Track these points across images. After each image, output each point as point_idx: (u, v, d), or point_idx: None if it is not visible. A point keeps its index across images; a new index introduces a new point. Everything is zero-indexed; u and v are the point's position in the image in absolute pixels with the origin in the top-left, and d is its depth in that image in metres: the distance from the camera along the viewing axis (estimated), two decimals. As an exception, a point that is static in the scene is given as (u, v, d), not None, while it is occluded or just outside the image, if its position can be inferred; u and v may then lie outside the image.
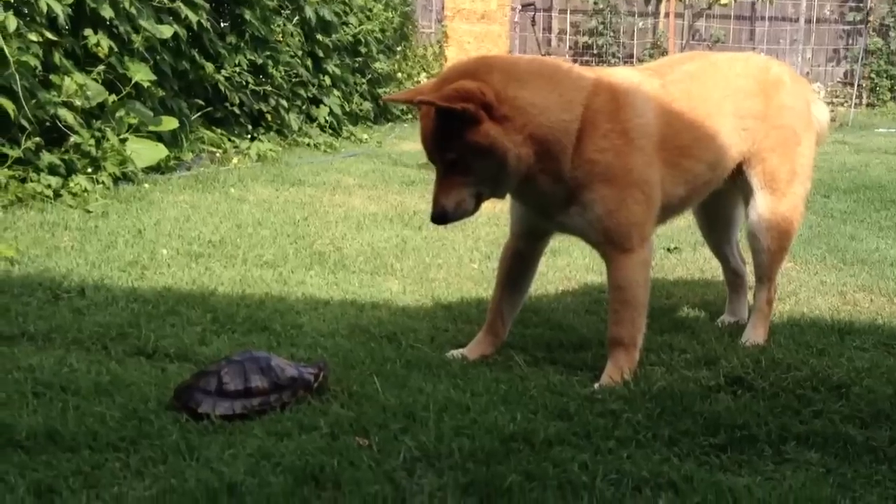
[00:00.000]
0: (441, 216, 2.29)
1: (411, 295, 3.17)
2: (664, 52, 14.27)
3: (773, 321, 2.99)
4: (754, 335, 2.75)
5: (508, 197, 2.47)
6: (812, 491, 1.76)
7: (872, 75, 14.48)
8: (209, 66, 6.12)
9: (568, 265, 3.68)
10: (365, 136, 8.31)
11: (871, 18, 14.55)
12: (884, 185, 6.03)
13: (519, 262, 2.62)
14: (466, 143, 2.20)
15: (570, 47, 15.43)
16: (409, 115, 10.80)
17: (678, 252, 3.99)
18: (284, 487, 1.68)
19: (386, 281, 3.35)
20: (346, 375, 2.29)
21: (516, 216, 2.57)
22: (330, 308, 2.95)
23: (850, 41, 14.69)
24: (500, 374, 2.37)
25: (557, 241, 4.11)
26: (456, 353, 2.54)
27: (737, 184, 2.76)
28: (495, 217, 4.72)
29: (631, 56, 15.00)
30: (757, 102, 2.68)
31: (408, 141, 8.65)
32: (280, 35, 7.12)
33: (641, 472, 1.81)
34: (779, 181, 2.72)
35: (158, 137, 5.12)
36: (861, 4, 14.66)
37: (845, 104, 13.41)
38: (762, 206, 2.73)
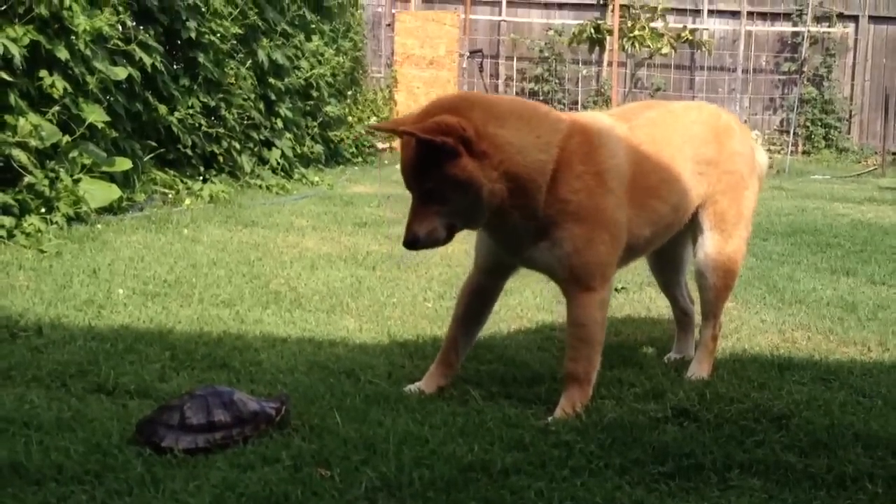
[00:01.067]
0: (412, 242, 2.35)
1: (367, 332, 3.23)
2: (607, 100, 14.63)
3: (718, 357, 3.10)
4: (699, 370, 2.86)
5: (473, 234, 2.55)
6: (755, 515, 1.85)
7: (808, 123, 15.01)
8: (162, 108, 6.15)
9: (519, 304, 3.77)
10: (316, 178, 8.37)
11: (804, 69, 15.11)
12: (819, 229, 6.27)
13: (480, 296, 2.70)
14: (444, 175, 2.28)
15: (517, 93, 15.72)
16: (360, 159, 10.91)
17: (626, 292, 4.11)
18: (251, 516, 1.73)
19: (342, 319, 3.40)
20: (306, 410, 2.34)
21: (483, 252, 2.65)
22: (288, 345, 3.00)
23: (786, 90, 15.22)
24: (457, 408, 2.44)
25: (511, 282, 4.22)
26: (413, 387, 2.60)
27: (689, 225, 2.88)
28: (447, 257, 4.82)
29: (576, 103, 15.34)
30: (711, 148, 2.81)
31: (359, 184, 8.74)
32: (233, 78, 7.19)
33: (595, 498, 1.89)
34: (727, 223, 2.85)
35: (111, 178, 5.13)
36: (795, 55, 15.22)
37: (782, 151, 13.87)
38: (710, 245, 2.85)
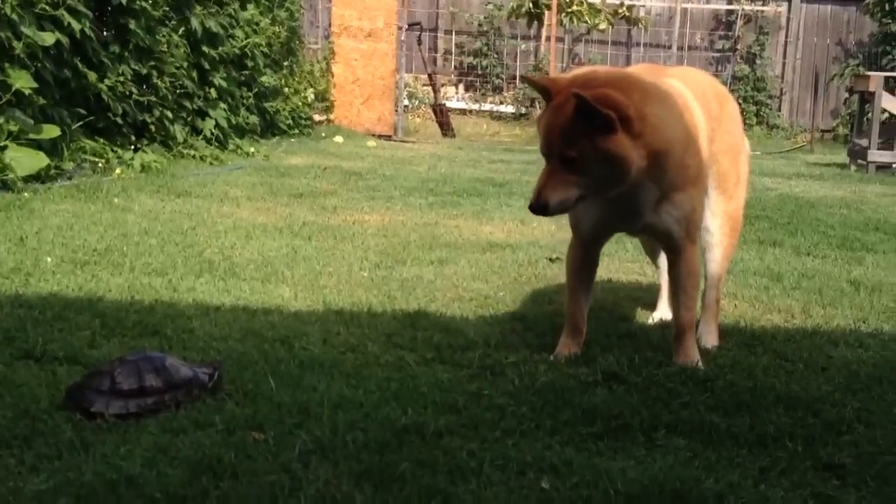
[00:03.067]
0: (542, 208, 2.36)
1: (303, 301, 3.22)
2: (546, 74, 14.71)
3: (648, 325, 3.18)
4: (710, 338, 2.92)
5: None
6: (680, 472, 1.91)
7: (740, 101, 15.28)
8: (92, 76, 6.00)
9: (455, 273, 3.80)
10: (252, 149, 8.27)
11: (738, 47, 15.37)
12: (748, 203, 6.38)
13: (587, 264, 2.78)
14: (595, 148, 2.30)
15: (455, 67, 15.70)
16: (296, 131, 10.80)
17: (559, 262, 4.16)
18: (182, 478, 1.73)
19: (277, 288, 3.38)
20: (240, 376, 2.34)
21: (587, 224, 2.67)
22: (221, 313, 2.97)
23: (720, 68, 15.47)
24: (391, 373, 2.46)
25: (446, 252, 4.25)
26: (550, 356, 2.65)
27: None
28: (384, 228, 4.82)
29: (514, 77, 15.39)
30: (716, 107, 2.88)
31: (295, 155, 8.66)
32: (165, 46, 7.04)
33: (525, 457, 1.92)
34: (728, 183, 2.95)
35: (38, 146, 5.00)
36: (729, 33, 15.47)
37: (715, 128, 14.10)
38: (714, 204, 2.93)
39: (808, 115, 15.25)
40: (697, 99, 2.72)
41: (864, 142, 10.11)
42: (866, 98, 10.43)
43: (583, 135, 2.30)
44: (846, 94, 14.71)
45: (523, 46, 15.37)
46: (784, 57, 15.66)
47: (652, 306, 3.38)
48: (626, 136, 2.31)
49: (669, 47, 15.31)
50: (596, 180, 2.37)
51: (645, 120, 2.35)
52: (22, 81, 4.85)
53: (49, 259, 3.46)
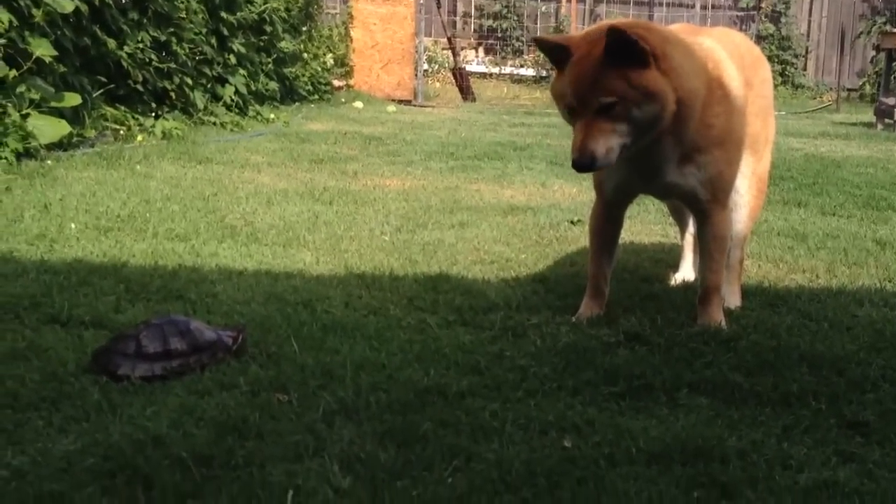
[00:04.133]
0: (590, 161, 2.26)
1: (324, 265, 3.23)
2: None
3: (671, 286, 3.17)
4: (734, 299, 2.91)
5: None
6: (702, 430, 1.91)
7: (764, 61, 15.06)
8: (111, 43, 6.00)
9: (476, 237, 3.79)
10: (271, 115, 8.26)
11: (763, 5, 15.13)
12: (773, 163, 6.33)
13: (611, 225, 2.76)
14: (632, 86, 2.23)
15: (475, 30, 15.58)
16: (316, 96, 10.77)
17: (581, 224, 4.14)
18: (208, 438, 1.75)
19: (299, 252, 3.40)
20: (263, 339, 2.35)
21: (611, 184, 2.64)
22: (244, 278, 2.99)
23: (744, 27, 15.25)
24: (413, 336, 2.46)
25: (466, 215, 4.24)
26: (574, 318, 2.64)
27: None
28: (404, 193, 4.82)
29: (535, 40, 15.23)
30: (750, 71, 2.85)
31: (315, 121, 8.65)
32: (184, 12, 7.02)
33: (548, 417, 1.93)
34: (759, 144, 2.93)
35: (60, 114, 5.01)
36: (753, -8, 15.24)
37: (738, 88, 13.93)
38: (745, 165, 2.88)
39: (834, 73, 15.03)
40: (734, 60, 2.67)
41: (890, 100, 9.95)
42: (893, 56, 10.25)
43: (617, 76, 2.23)
44: (873, 52, 14.47)
45: (543, 8, 15.21)
46: (809, 15, 15.42)
47: (674, 267, 3.36)
48: (657, 72, 2.27)
49: (692, 6, 15.10)
50: (636, 124, 2.28)
51: (668, 61, 2.29)
52: (42, 49, 4.86)
53: (73, 225, 3.49)
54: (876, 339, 2.56)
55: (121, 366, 2.07)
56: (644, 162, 2.50)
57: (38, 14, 4.91)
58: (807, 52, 15.46)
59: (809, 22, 15.40)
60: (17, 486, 1.55)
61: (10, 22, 4.64)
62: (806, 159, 6.88)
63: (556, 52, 2.39)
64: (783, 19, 15.18)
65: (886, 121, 9.85)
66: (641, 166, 2.53)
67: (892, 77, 10.48)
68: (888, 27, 13.26)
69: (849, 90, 14.81)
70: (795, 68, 15.28)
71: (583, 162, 2.26)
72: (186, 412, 1.87)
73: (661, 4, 15.22)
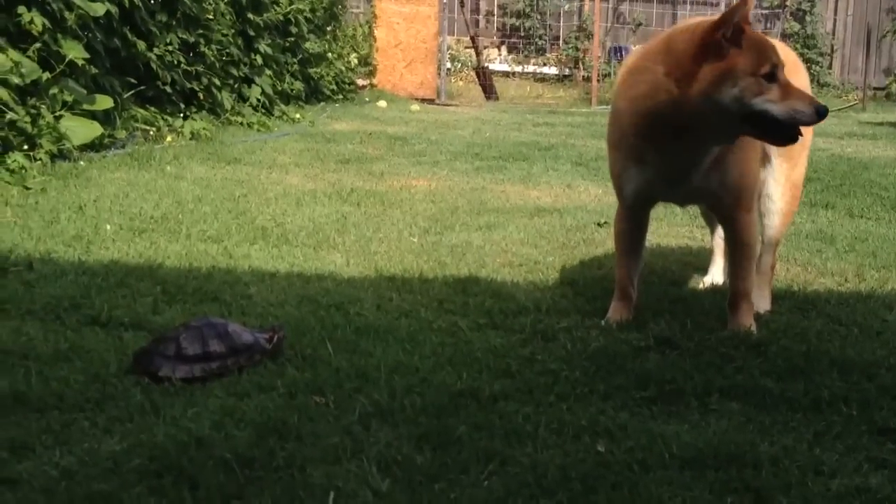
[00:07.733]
0: (826, 111, 2.38)
1: (355, 267, 3.27)
2: (589, 35, 14.53)
3: (699, 290, 3.19)
4: (764, 303, 2.92)
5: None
6: (734, 436, 1.93)
7: (789, 59, 14.97)
8: (141, 45, 6.07)
9: (504, 239, 3.82)
10: (297, 115, 8.33)
11: (787, 3, 15.04)
12: (799, 164, 6.32)
13: (637, 228, 2.79)
14: None
15: (498, 29, 15.60)
16: (340, 96, 10.83)
17: (607, 226, 4.16)
18: (250, 440, 1.79)
19: (329, 254, 3.44)
20: (298, 341, 2.39)
21: (633, 189, 2.66)
22: (277, 280, 3.03)
23: (769, 25, 15.17)
24: (445, 339, 2.49)
25: (493, 217, 4.27)
26: (603, 321, 2.68)
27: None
28: (431, 194, 4.86)
29: (557, 38, 15.25)
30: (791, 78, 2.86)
31: (340, 121, 8.71)
32: (211, 13, 7.09)
33: (580, 421, 1.96)
34: (794, 149, 2.91)
35: (92, 115, 5.09)
36: (778, -10, 15.15)
37: (763, 87, 13.85)
38: (779, 171, 2.93)
39: (860, 72, 14.91)
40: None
41: (918, 100, 9.88)
42: (921, 55, 10.17)
43: None
44: (899, 51, 14.35)
45: (567, 7, 15.20)
46: (835, 13, 15.32)
47: (703, 271, 3.38)
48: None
49: (716, 5, 15.03)
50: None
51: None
52: (75, 52, 4.93)
53: (108, 227, 3.55)
54: (906, 345, 2.57)
55: (161, 367, 2.11)
56: (680, 160, 2.51)
57: (70, 17, 4.98)
58: (832, 50, 15.36)
59: (835, 20, 15.30)
60: (67, 486, 1.59)
61: (44, 25, 4.71)
62: (832, 160, 6.86)
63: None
64: (808, 17, 15.10)
65: (913, 121, 9.77)
66: (673, 167, 2.54)
67: (919, 76, 10.40)
68: (915, 25, 13.17)
69: (875, 89, 14.70)
70: (821, 67, 15.19)
71: (824, 111, 2.37)
72: (227, 414, 1.91)
73: (685, 2, 15.17)
